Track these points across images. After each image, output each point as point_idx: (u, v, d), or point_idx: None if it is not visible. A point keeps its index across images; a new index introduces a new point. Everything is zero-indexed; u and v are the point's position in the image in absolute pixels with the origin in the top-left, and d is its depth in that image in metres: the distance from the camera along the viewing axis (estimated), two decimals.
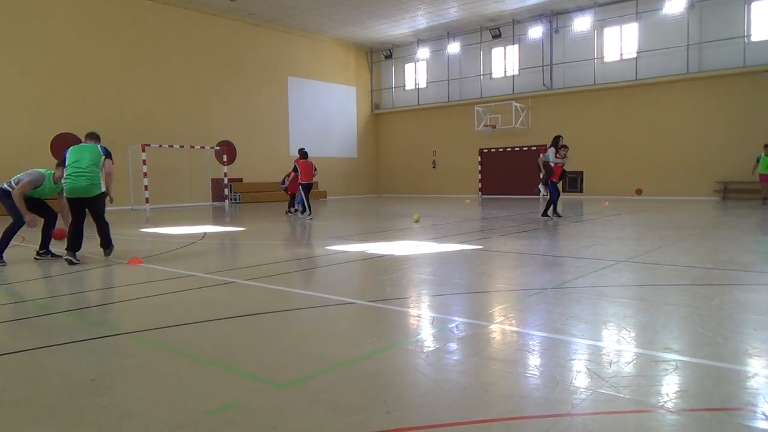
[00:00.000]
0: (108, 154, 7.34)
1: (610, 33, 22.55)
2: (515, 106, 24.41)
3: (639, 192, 15.88)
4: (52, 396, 2.76)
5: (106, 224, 7.55)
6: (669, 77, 20.94)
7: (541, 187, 13.20)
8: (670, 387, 2.73)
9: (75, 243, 7.16)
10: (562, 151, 12.40)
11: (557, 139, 12.58)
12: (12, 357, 3.42)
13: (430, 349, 3.40)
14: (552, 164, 12.42)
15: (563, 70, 23.72)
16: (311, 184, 14.41)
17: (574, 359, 3.15)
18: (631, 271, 5.93)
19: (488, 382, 2.84)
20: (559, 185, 12.74)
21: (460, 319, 4.06)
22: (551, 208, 12.64)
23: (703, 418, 2.38)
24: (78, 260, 7.05)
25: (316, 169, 14.48)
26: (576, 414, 2.41)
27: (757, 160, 17.09)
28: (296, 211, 15.29)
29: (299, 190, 14.42)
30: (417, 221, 12.23)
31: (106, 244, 7.54)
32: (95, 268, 6.72)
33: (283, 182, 16.17)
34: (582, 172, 23.54)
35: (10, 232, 7.12)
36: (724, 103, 19.92)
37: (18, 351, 3.53)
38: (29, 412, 2.57)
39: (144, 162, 19.30)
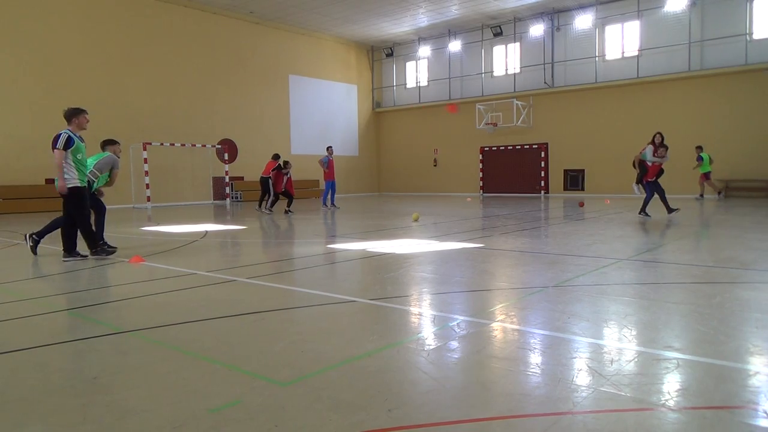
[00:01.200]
0: (54, 142, 6.85)
1: (612, 31, 22.51)
2: (516, 104, 24.38)
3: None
4: (54, 394, 2.77)
5: (77, 223, 7.15)
6: (671, 75, 20.91)
7: (635, 186, 12.68)
8: (671, 385, 2.73)
9: (65, 243, 7.22)
10: (660, 151, 11.77)
11: (657, 136, 11.94)
12: (14, 355, 3.43)
13: (432, 347, 3.40)
14: (648, 163, 11.89)
15: (564, 68, 23.68)
16: (265, 179, 16.16)
17: (575, 357, 3.15)
18: (633, 269, 5.93)
19: (489, 380, 2.84)
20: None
21: (462, 318, 4.06)
22: (648, 205, 12.10)
23: (705, 416, 2.38)
24: (70, 257, 7.12)
25: (281, 170, 16.18)
26: (577, 412, 2.41)
27: (705, 160, 18.37)
28: (266, 209, 16.05)
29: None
30: (416, 220, 12.23)
31: (67, 247, 7.22)
32: (96, 267, 6.73)
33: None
34: (583, 170, 23.53)
35: (56, 224, 7.45)
36: (726, 101, 19.88)
37: (20, 349, 3.54)
38: (32, 409, 2.58)
39: (145, 160, 19.32)
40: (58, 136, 6.89)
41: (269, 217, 14.75)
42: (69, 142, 6.85)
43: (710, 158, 18.34)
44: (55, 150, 6.82)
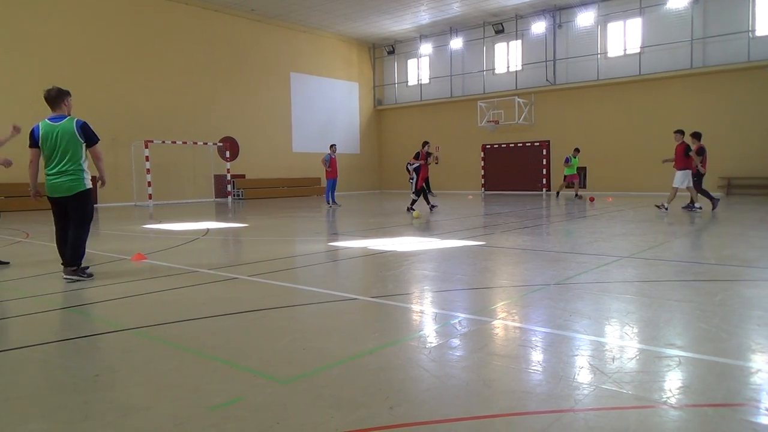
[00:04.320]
0: (89, 132, 5.69)
1: (614, 28, 22.46)
2: (518, 101, 24.34)
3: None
4: (56, 391, 2.77)
5: (83, 231, 5.82)
6: (673, 72, 20.85)
7: None
8: (672, 383, 2.73)
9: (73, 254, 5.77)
10: None
11: None
12: (17, 352, 3.44)
13: (433, 345, 3.40)
14: None
15: (566, 66, 23.63)
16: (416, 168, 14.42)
17: (576, 355, 3.15)
18: (634, 266, 5.92)
19: (491, 377, 2.84)
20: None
21: (463, 315, 4.06)
22: None
23: (706, 414, 2.37)
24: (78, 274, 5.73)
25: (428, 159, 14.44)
26: (578, 410, 2.41)
27: (566, 161, 19.91)
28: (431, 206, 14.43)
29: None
30: (417, 218, 12.23)
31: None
32: (99, 264, 6.74)
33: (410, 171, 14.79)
34: (585, 168, 23.49)
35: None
36: (728, 98, 19.83)
37: (22, 347, 3.55)
38: (34, 407, 2.59)
39: (147, 158, 19.34)
40: (86, 125, 5.60)
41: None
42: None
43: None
44: (97, 144, 5.68)
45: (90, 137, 5.63)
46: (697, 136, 12.83)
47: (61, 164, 5.57)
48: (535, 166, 24.81)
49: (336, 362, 3.08)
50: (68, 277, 5.66)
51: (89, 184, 5.73)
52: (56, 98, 5.59)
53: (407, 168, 14.68)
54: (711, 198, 12.74)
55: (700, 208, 12.75)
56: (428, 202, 14.63)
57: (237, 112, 23.54)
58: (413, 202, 13.93)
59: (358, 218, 13.28)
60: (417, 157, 14.52)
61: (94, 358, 3.32)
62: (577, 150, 19.90)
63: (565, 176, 20.21)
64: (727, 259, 6.19)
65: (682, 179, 12.59)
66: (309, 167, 26.00)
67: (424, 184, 14.25)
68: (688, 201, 13.19)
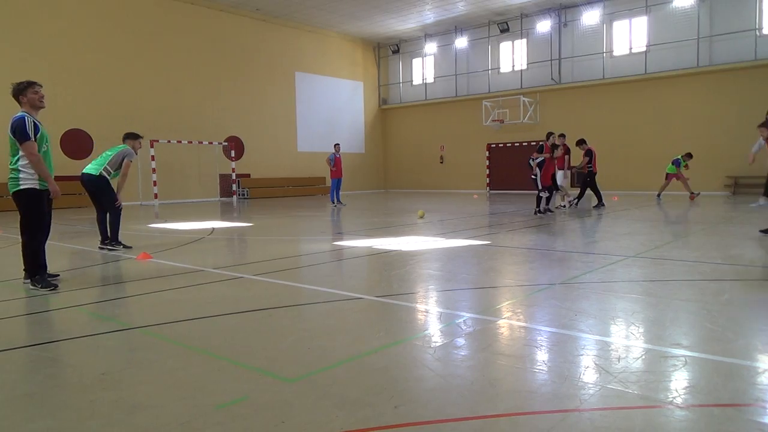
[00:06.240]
0: (19, 130, 5.09)
1: (620, 26, 22.36)
2: (523, 100, 24.28)
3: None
4: (63, 390, 2.79)
5: (26, 236, 5.35)
6: (679, 71, 20.75)
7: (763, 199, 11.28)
8: (679, 383, 2.72)
9: (30, 262, 5.45)
10: None
11: None
12: (23, 351, 3.46)
13: (438, 344, 3.40)
14: None
15: (572, 64, 23.56)
16: (540, 163, 12.65)
17: (582, 355, 3.14)
18: (640, 266, 5.90)
19: (496, 377, 2.84)
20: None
21: (468, 315, 4.06)
22: None
23: (712, 414, 2.36)
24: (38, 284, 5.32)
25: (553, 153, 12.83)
26: (584, 409, 2.40)
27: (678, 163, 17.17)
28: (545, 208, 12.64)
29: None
30: (422, 217, 12.22)
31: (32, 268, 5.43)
32: (104, 264, 6.77)
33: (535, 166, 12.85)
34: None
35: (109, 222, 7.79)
36: (735, 97, 19.71)
37: (29, 345, 3.57)
38: (41, 405, 2.60)
39: (152, 158, 19.39)
40: (21, 121, 5.06)
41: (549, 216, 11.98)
42: (36, 129, 5.14)
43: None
44: (25, 142, 5.04)
45: (14, 133, 5.08)
46: (582, 142, 14.56)
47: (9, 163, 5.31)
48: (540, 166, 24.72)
49: (341, 361, 3.09)
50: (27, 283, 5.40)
51: (26, 185, 5.17)
52: (16, 96, 5.25)
53: (529, 163, 12.85)
54: (599, 197, 14.63)
55: (563, 206, 14.16)
56: (547, 203, 12.67)
57: (242, 111, 23.58)
58: (547, 200, 12.65)
59: (363, 218, 13.29)
60: (541, 150, 12.67)
61: (101, 356, 3.33)
62: (688, 155, 17.13)
63: (667, 174, 17.47)
64: (733, 259, 6.16)
65: (560, 178, 14.10)
66: (314, 166, 26.02)
67: (552, 182, 12.64)
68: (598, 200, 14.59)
